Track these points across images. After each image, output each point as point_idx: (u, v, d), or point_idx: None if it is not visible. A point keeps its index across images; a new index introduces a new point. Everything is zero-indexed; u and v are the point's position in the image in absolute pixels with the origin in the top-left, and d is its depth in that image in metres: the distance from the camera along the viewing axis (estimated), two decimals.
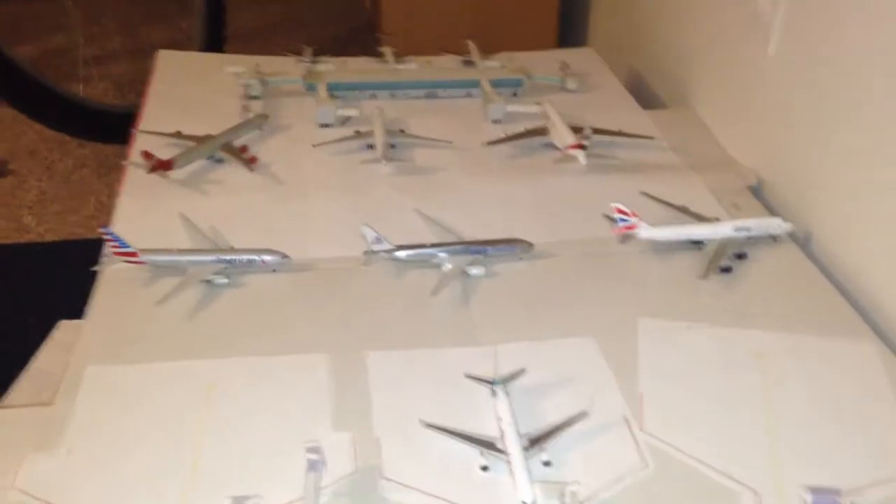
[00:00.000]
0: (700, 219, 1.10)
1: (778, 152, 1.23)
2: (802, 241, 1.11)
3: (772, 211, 1.19)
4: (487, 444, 0.77)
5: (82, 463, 0.76)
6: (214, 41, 2.44)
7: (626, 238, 1.06)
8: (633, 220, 1.04)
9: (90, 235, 0.99)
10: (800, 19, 1.17)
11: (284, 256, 1.00)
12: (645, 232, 1.05)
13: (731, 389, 0.85)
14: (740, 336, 0.92)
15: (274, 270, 1.01)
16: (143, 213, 1.13)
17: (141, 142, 1.28)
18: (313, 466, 0.72)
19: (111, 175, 1.18)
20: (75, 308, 0.96)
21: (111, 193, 1.17)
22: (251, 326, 0.93)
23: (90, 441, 0.78)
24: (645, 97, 1.67)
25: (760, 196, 1.23)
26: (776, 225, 1.06)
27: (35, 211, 1.93)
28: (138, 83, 1.53)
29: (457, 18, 2.17)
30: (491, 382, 0.82)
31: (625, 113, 1.45)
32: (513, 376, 0.84)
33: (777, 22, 1.20)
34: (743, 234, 1.05)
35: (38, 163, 2.12)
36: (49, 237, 1.84)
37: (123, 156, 1.23)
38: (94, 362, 0.87)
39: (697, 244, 1.06)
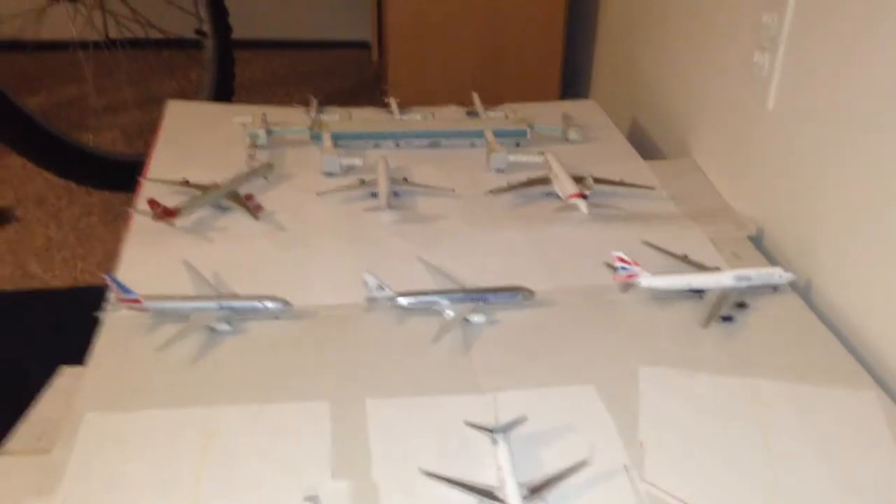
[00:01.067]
0: (701, 268, 1.11)
1: (777, 203, 1.24)
2: (802, 290, 1.11)
3: (772, 260, 1.19)
4: (487, 493, 0.76)
5: None
6: (223, 92, 2.50)
7: (627, 286, 1.06)
8: (634, 268, 1.05)
9: (96, 282, 1.00)
10: (796, 75, 1.19)
11: (286, 303, 1.01)
12: (646, 280, 1.05)
13: (732, 438, 0.85)
14: (741, 385, 0.92)
15: (276, 317, 1.02)
16: (147, 259, 1.14)
17: (148, 190, 1.30)
18: None
19: (118, 223, 1.20)
20: (79, 354, 0.96)
21: (118, 241, 1.18)
22: (252, 373, 0.93)
23: (87, 488, 0.78)
24: (646, 148, 1.69)
25: (760, 246, 1.24)
26: (777, 275, 1.06)
27: (41, 258, 1.94)
28: (147, 133, 1.55)
29: (462, 72, 2.21)
30: (491, 430, 0.82)
31: (626, 163, 1.47)
32: (513, 424, 0.84)
33: (774, 77, 1.22)
34: (744, 283, 1.05)
35: (45, 210, 2.14)
36: (55, 284, 1.86)
37: (130, 204, 1.25)
38: (93, 409, 0.87)
39: (698, 293, 1.07)
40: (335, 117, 1.59)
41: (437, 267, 1.12)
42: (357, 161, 1.41)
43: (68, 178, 2.15)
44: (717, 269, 1.11)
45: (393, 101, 1.64)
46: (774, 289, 1.08)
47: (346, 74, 3.12)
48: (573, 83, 2.33)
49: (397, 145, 1.51)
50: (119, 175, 2.01)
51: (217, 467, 0.80)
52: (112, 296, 1.00)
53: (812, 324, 1.03)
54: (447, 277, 1.09)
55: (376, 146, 1.50)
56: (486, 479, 0.78)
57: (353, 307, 1.04)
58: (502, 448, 0.80)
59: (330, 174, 1.39)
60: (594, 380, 0.93)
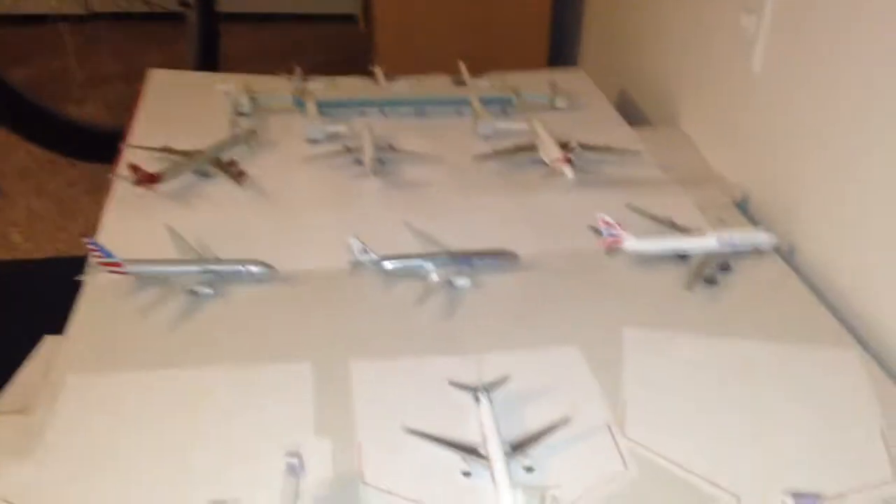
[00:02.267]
0: (685, 232, 1.11)
1: (763, 168, 1.24)
2: (786, 254, 1.11)
3: (757, 225, 1.19)
4: (469, 450, 0.76)
5: (61, 470, 0.75)
6: (208, 65, 2.47)
7: (612, 250, 1.06)
8: (619, 232, 1.05)
9: (79, 253, 0.99)
10: (783, 37, 1.18)
11: (270, 267, 1.00)
12: (630, 244, 1.05)
13: (715, 397, 0.85)
14: (725, 345, 0.92)
15: (259, 281, 1.01)
16: (129, 225, 1.13)
17: (129, 156, 1.28)
18: (292, 471, 0.71)
19: (101, 193, 1.18)
20: (62, 324, 0.95)
21: (101, 212, 1.17)
22: (235, 336, 0.93)
23: (70, 449, 0.77)
24: (634, 116, 1.69)
25: (746, 211, 1.24)
26: (760, 238, 1.07)
27: (23, 229, 1.93)
28: (131, 105, 1.54)
29: (449, 41, 2.20)
30: (474, 389, 0.82)
31: (613, 130, 1.46)
32: (496, 384, 0.84)
33: (760, 39, 1.22)
34: (727, 247, 1.05)
35: (28, 182, 2.12)
36: (37, 255, 1.84)
37: (112, 171, 1.24)
38: (75, 371, 0.86)
39: (683, 257, 1.07)
40: (320, 86, 1.57)
41: (422, 232, 1.11)
42: (341, 128, 1.40)
43: (52, 150, 2.13)
44: (700, 231, 1.10)
45: (378, 70, 1.63)
46: (759, 252, 1.08)
47: (333, 48, 3.09)
48: (562, 52, 2.32)
49: (383, 113, 1.50)
50: (102, 147, 1.98)
51: (200, 427, 0.79)
52: (93, 260, 0.99)
53: (795, 286, 1.04)
54: (433, 242, 1.09)
55: (362, 114, 1.49)
56: (470, 437, 0.78)
57: (337, 271, 1.03)
58: (485, 406, 0.80)
59: (314, 141, 1.38)
60: (578, 341, 0.93)
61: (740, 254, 1.07)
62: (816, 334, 0.95)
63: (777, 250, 1.10)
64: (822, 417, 0.83)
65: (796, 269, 1.07)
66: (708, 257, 1.05)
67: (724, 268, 1.05)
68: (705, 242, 1.06)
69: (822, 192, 1.09)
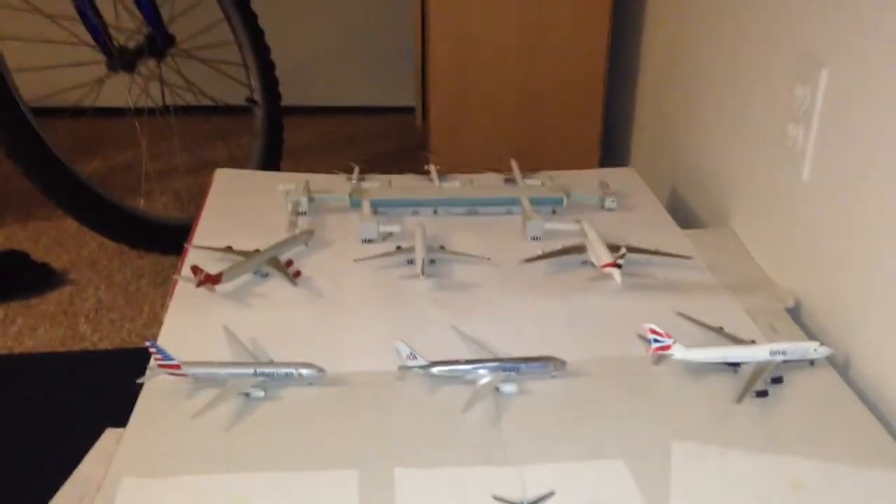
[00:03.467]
0: (736, 341, 1.10)
1: (815, 274, 1.23)
2: (840, 365, 1.10)
3: (809, 333, 1.18)
4: None
5: None
6: (272, 158, 2.57)
7: (660, 359, 1.06)
8: (667, 340, 1.05)
9: (143, 344, 1.03)
10: (831, 147, 1.19)
11: (320, 370, 1.03)
12: (679, 353, 1.05)
13: None
14: (776, 462, 0.91)
15: (310, 384, 1.03)
16: (189, 325, 1.18)
17: (192, 256, 1.34)
18: None
19: (166, 285, 1.23)
20: (125, 416, 0.99)
21: (165, 303, 1.22)
22: (283, 440, 0.95)
23: None
24: (685, 217, 1.69)
25: (798, 318, 1.22)
26: (813, 349, 1.05)
27: (91, 319, 2.00)
28: (197, 197, 1.61)
29: (502, 137, 2.25)
30: None
31: (663, 232, 1.47)
32: (541, 499, 0.83)
33: (808, 149, 1.22)
34: (779, 357, 1.04)
35: (97, 272, 2.21)
36: (103, 345, 1.91)
37: (178, 267, 1.29)
38: (129, 473, 0.89)
39: (733, 366, 1.06)
40: (375, 184, 1.63)
41: (470, 336, 1.13)
42: (395, 227, 1.44)
43: (121, 242, 2.22)
44: (752, 342, 1.09)
45: (433, 169, 1.68)
46: (811, 363, 1.06)
47: (390, 139, 3.19)
48: (612, 151, 2.35)
49: (435, 212, 1.54)
50: (170, 238, 2.06)
51: None
52: (153, 361, 1.03)
53: (850, 401, 1.01)
54: (480, 346, 1.10)
55: (415, 213, 1.53)
56: None
57: (386, 374, 1.05)
58: None
59: (368, 240, 1.42)
60: (625, 454, 0.92)
61: (793, 364, 1.05)
62: (871, 453, 0.92)
63: (831, 361, 1.08)
64: None
65: (851, 383, 1.05)
66: (759, 368, 1.03)
67: (776, 380, 1.04)
68: (757, 352, 1.05)
69: (877, 301, 1.08)
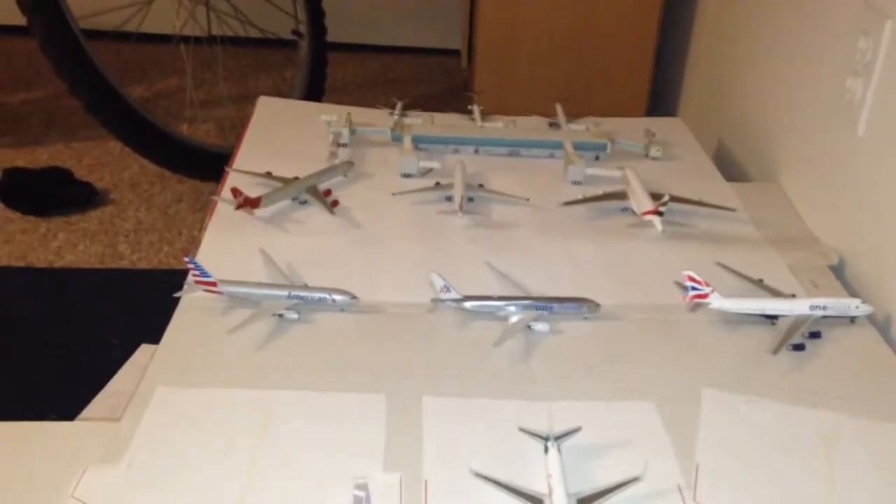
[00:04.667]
0: (775, 294, 1.08)
1: (862, 233, 1.20)
2: (882, 324, 1.07)
3: (852, 292, 1.15)
4: (535, 500, 0.76)
5: (140, 477, 0.79)
6: (314, 92, 2.56)
7: (697, 307, 1.04)
8: (705, 289, 1.03)
9: (180, 266, 1.04)
10: (889, 101, 1.15)
11: (353, 297, 1.03)
12: (717, 302, 1.03)
13: (793, 469, 0.82)
14: (807, 416, 0.89)
15: (342, 310, 1.04)
16: (226, 245, 1.18)
17: (232, 180, 1.35)
18: (358, 503, 0.73)
19: (205, 210, 1.24)
20: (160, 333, 1.00)
21: (202, 228, 1.23)
22: (315, 362, 0.96)
23: (151, 457, 0.81)
24: (731, 170, 1.66)
25: (841, 276, 1.20)
26: (855, 306, 1.03)
27: (130, 239, 2.03)
28: (239, 127, 1.61)
29: (548, 83, 2.21)
30: (545, 438, 0.82)
31: (707, 183, 1.44)
32: (567, 434, 0.83)
33: (866, 103, 1.18)
34: (819, 312, 1.02)
35: (138, 195, 2.24)
36: (141, 265, 1.94)
37: (217, 193, 1.30)
38: (163, 383, 0.91)
39: (771, 319, 1.04)
40: (418, 121, 1.61)
41: (504, 273, 1.12)
42: (435, 164, 1.42)
43: (163, 166, 2.24)
44: (792, 296, 1.07)
45: (476, 108, 1.66)
46: (852, 320, 1.04)
47: (434, 81, 3.15)
48: (662, 100, 2.30)
49: (476, 152, 1.52)
50: (210, 165, 2.08)
51: (273, 448, 0.82)
52: (191, 277, 1.04)
53: (889, 359, 1.00)
54: (514, 284, 1.10)
55: (456, 151, 1.52)
56: (536, 486, 0.78)
57: (418, 306, 1.05)
58: (554, 456, 0.80)
59: (407, 175, 1.41)
60: (654, 398, 0.91)
61: (832, 321, 1.03)
62: None
63: (872, 320, 1.06)
64: None
65: (891, 342, 1.03)
66: (798, 322, 1.02)
67: (814, 334, 1.02)
68: (796, 306, 1.03)
69: None
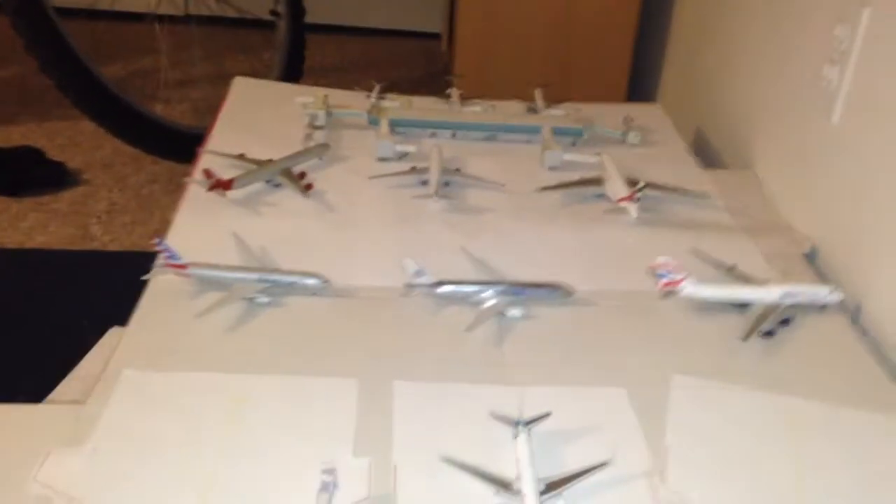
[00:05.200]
0: (747, 280, 1.09)
1: (835, 222, 1.20)
2: (852, 312, 1.08)
3: (824, 280, 1.16)
4: (503, 485, 0.76)
5: (106, 462, 0.78)
6: (292, 74, 2.54)
7: (669, 293, 1.04)
8: (678, 275, 1.03)
9: (152, 249, 1.03)
10: (865, 90, 1.15)
11: (325, 280, 1.02)
12: (689, 288, 1.03)
13: (762, 453, 0.83)
14: (776, 401, 0.90)
15: (314, 294, 1.03)
16: (198, 228, 1.17)
17: (206, 161, 1.33)
18: (325, 488, 0.73)
19: (179, 192, 1.23)
20: (130, 317, 0.99)
21: (176, 210, 1.21)
22: (285, 346, 0.95)
23: (116, 441, 0.80)
24: (708, 156, 1.66)
25: (814, 264, 1.20)
26: (825, 293, 1.03)
27: (103, 221, 2.01)
28: (215, 108, 1.59)
29: (528, 68, 2.20)
30: (514, 423, 0.82)
31: (683, 171, 1.44)
32: (537, 419, 0.83)
33: (842, 91, 1.19)
34: (789, 299, 1.02)
35: (111, 175, 2.21)
36: (112, 247, 1.91)
37: (189, 175, 1.28)
38: (130, 366, 0.90)
39: (742, 307, 1.05)
40: (395, 104, 1.60)
41: (479, 258, 1.12)
42: (411, 148, 1.42)
43: (136, 146, 2.21)
44: (764, 282, 1.08)
45: (455, 92, 1.65)
46: (822, 308, 1.05)
47: (414, 64, 3.13)
48: (641, 87, 2.30)
49: (454, 136, 1.51)
50: (185, 146, 2.04)
51: (242, 432, 0.81)
52: (160, 259, 1.03)
53: (857, 347, 1.00)
54: (488, 269, 1.09)
55: (433, 135, 1.51)
56: (506, 471, 0.77)
57: (391, 290, 1.04)
58: (523, 441, 0.79)
59: (384, 159, 1.40)
60: (626, 383, 0.91)
61: (803, 308, 1.04)
62: (874, 400, 0.91)
63: (843, 308, 1.06)
64: (872, 484, 0.80)
65: (861, 330, 1.04)
66: (768, 309, 1.02)
67: (785, 321, 1.02)
68: (767, 293, 1.03)
69: (894, 251, 1.06)
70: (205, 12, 2.44)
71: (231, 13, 2.48)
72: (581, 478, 0.77)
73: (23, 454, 0.77)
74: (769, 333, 1.00)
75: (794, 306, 1.03)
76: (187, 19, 2.43)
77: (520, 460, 0.78)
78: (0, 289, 1.75)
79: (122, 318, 1.01)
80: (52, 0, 1.95)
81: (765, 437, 0.85)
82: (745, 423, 0.87)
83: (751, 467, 0.82)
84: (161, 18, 2.30)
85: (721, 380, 0.93)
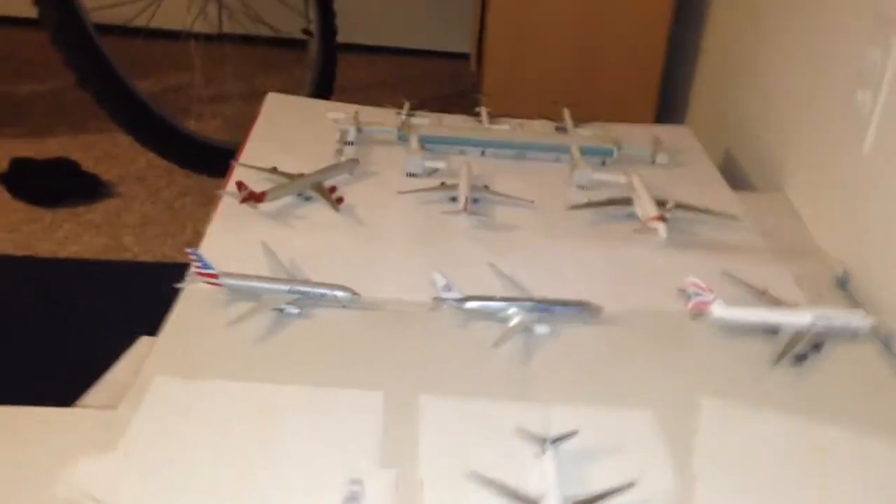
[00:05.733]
0: (779, 304, 1.08)
1: (867, 246, 1.19)
2: (884, 338, 1.07)
3: (856, 305, 1.14)
4: (530, 502, 0.76)
5: (135, 466, 0.79)
6: (323, 91, 2.57)
7: (699, 314, 1.04)
8: (708, 296, 1.02)
9: (184, 260, 1.05)
10: None
11: (355, 293, 1.03)
12: (719, 310, 1.03)
13: (790, 481, 0.82)
14: (805, 428, 0.89)
15: (343, 306, 1.04)
16: (230, 239, 1.18)
17: (238, 174, 1.35)
18: (353, 496, 0.73)
19: (211, 205, 1.25)
20: (160, 326, 1.00)
21: (207, 223, 1.23)
22: (314, 357, 0.96)
23: (146, 447, 0.81)
24: (738, 179, 1.65)
25: (846, 289, 1.19)
26: (858, 318, 1.02)
27: (136, 232, 2.04)
28: (247, 124, 1.61)
29: (557, 87, 2.21)
30: (541, 441, 0.82)
31: (713, 192, 1.44)
32: (564, 437, 0.83)
33: (875, 116, 1.18)
34: (822, 323, 1.01)
35: (144, 188, 2.24)
36: (144, 258, 1.94)
37: (223, 187, 1.30)
38: (162, 373, 0.91)
39: (773, 331, 1.04)
40: (425, 121, 1.61)
41: (507, 275, 1.12)
42: (441, 164, 1.42)
43: (170, 160, 2.24)
44: (795, 306, 1.07)
45: (483, 110, 1.66)
46: (855, 333, 1.03)
47: (443, 83, 3.15)
48: (669, 109, 2.30)
49: (483, 153, 1.52)
50: (217, 161, 2.07)
51: (269, 441, 0.82)
52: (192, 269, 1.04)
53: (889, 375, 0.99)
54: (516, 286, 1.09)
55: (462, 152, 1.51)
56: (531, 488, 0.77)
57: (419, 305, 1.05)
58: (550, 460, 0.79)
59: (413, 175, 1.41)
60: (653, 404, 0.91)
61: (834, 334, 1.03)
62: None
63: (875, 333, 1.05)
64: None
65: (893, 356, 1.03)
66: (800, 334, 1.01)
67: (816, 347, 1.01)
68: (799, 318, 1.02)
69: None
70: (238, 31, 2.48)
71: (264, 32, 2.52)
72: (607, 498, 0.76)
73: (53, 457, 0.78)
74: (801, 358, 0.99)
75: (825, 331, 1.02)
76: (221, 37, 2.47)
77: (546, 478, 0.77)
78: (33, 297, 1.78)
79: (151, 327, 1.02)
80: (91, 16, 1.99)
81: (792, 463, 0.84)
82: (773, 448, 0.86)
83: (777, 493, 0.81)
84: (196, 36, 2.34)
85: (750, 404, 0.92)
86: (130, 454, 0.79)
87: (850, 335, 1.03)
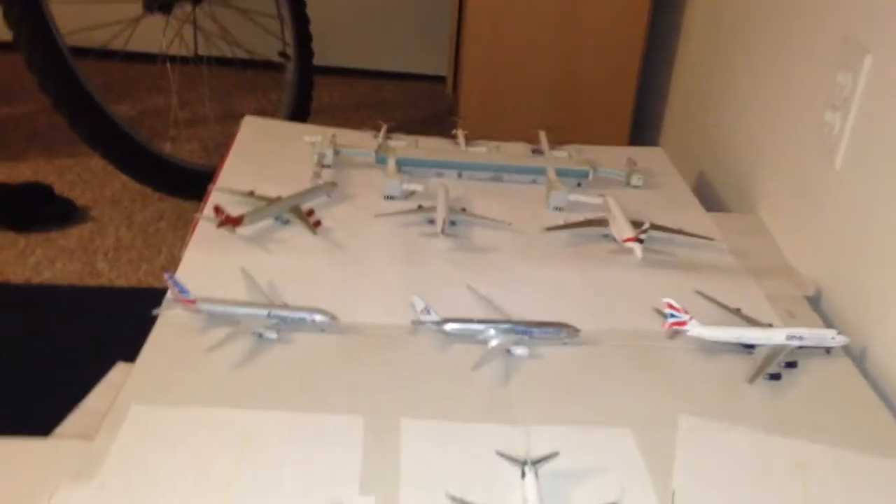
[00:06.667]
0: (753, 323, 1.09)
1: (839, 265, 1.21)
2: (857, 356, 1.08)
3: (828, 323, 1.16)
4: None
5: (114, 497, 0.78)
6: (300, 114, 2.57)
7: (675, 334, 1.05)
8: (683, 316, 1.04)
9: (159, 285, 1.03)
10: (867, 136, 1.17)
11: (333, 317, 1.03)
12: (694, 329, 1.04)
13: (768, 496, 0.83)
14: (782, 444, 0.90)
15: (322, 330, 1.03)
16: (207, 263, 1.18)
17: (215, 198, 1.34)
18: None
19: (186, 229, 1.24)
20: (136, 352, 0.99)
21: (183, 247, 1.22)
22: (293, 382, 0.95)
23: (124, 476, 0.80)
24: (711, 201, 1.68)
25: (818, 307, 1.21)
26: (831, 337, 1.04)
27: (109, 257, 2.02)
28: (223, 147, 1.61)
29: (533, 111, 2.24)
30: (521, 462, 0.82)
31: (688, 213, 1.45)
32: (544, 459, 0.83)
33: (844, 137, 1.20)
34: (795, 342, 1.03)
35: (119, 212, 2.23)
36: (119, 283, 1.92)
37: (200, 211, 1.29)
38: (138, 401, 0.90)
39: (748, 348, 1.05)
40: (402, 143, 1.62)
41: (485, 297, 1.12)
42: (418, 187, 1.43)
43: (145, 183, 2.23)
44: (769, 325, 1.08)
45: (460, 133, 1.67)
46: (827, 351, 1.05)
47: (420, 105, 3.17)
48: (643, 131, 2.33)
49: (460, 176, 1.53)
50: (192, 184, 2.07)
51: (249, 468, 0.81)
52: (169, 294, 1.03)
53: (863, 391, 1.00)
54: (494, 308, 1.10)
55: (439, 175, 1.52)
56: None
57: (398, 328, 1.05)
58: (531, 481, 0.79)
59: (391, 197, 1.41)
60: (632, 424, 0.92)
61: (808, 351, 1.04)
62: (881, 443, 0.91)
63: (848, 351, 1.07)
64: None
65: (866, 374, 1.04)
66: (775, 351, 1.02)
67: (791, 364, 1.03)
68: (773, 336, 1.04)
69: None
70: (215, 54, 2.48)
71: (241, 55, 2.52)
72: None
73: (31, 489, 0.77)
74: (775, 376, 1.00)
75: (799, 349, 1.03)
76: (198, 60, 2.47)
77: (528, 500, 0.77)
78: (6, 323, 1.75)
79: (127, 353, 1.01)
80: (66, 39, 1.98)
81: (771, 479, 0.85)
82: (752, 464, 0.87)
83: None
84: (172, 59, 2.33)
85: (727, 421, 0.93)
86: (107, 486, 0.78)
87: (824, 353, 1.05)
